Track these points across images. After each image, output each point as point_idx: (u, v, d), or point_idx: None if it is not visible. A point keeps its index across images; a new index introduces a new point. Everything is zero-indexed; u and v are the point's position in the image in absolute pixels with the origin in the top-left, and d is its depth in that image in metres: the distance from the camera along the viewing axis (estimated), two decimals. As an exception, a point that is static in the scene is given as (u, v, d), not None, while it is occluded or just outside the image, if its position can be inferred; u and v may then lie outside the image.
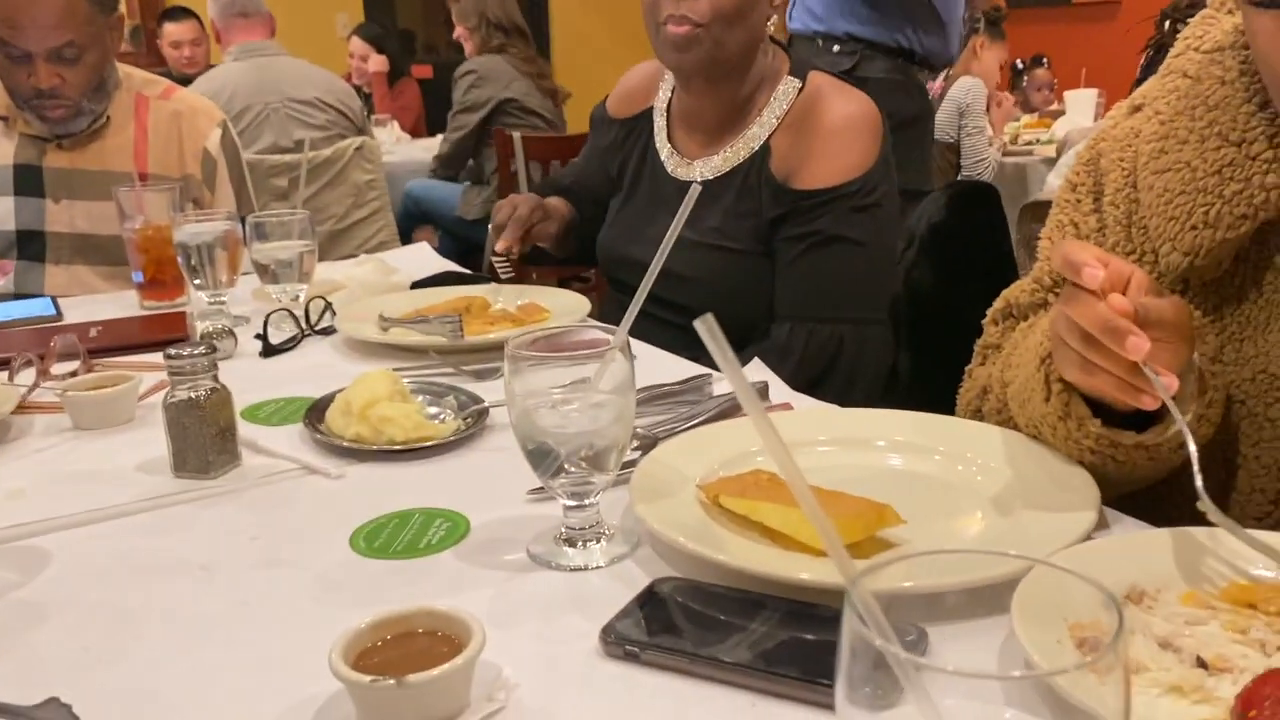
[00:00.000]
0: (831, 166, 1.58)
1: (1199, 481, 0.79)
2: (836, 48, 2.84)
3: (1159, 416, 0.90)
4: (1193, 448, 0.81)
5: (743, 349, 1.52)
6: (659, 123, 1.78)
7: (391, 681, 0.64)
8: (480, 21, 4.52)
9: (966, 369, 1.20)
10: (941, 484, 0.97)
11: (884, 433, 1.06)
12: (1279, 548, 0.76)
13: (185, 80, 3.98)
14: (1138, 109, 1.06)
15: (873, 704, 0.46)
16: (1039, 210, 3.01)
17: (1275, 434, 0.92)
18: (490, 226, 1.76)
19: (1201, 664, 0.68)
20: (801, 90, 1.64)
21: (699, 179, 1.66)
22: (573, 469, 0.86)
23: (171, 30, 5.14)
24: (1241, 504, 0.94)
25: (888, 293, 1.68)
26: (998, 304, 1.19)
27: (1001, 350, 1.13)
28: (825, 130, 1.60)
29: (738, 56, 1.62)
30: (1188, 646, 0.69)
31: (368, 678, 0.65)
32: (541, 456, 0.86)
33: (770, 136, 1.63)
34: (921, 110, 2.97)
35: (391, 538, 0.93)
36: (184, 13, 5.23)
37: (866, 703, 0.45)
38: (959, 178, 4.19)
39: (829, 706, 0.56)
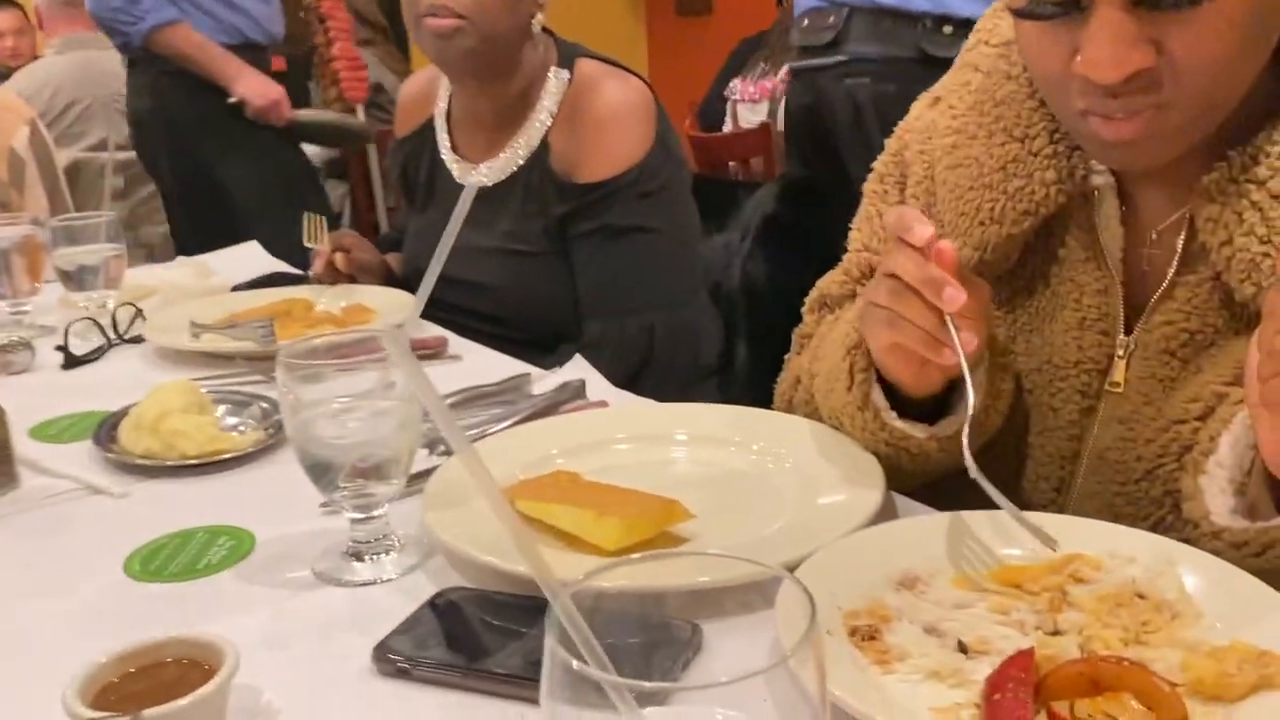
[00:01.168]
0: (609, 156, 1.57)
1: (967, 446, 0.81)
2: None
3: (951, 410, 0.92)
4: (970, 410, 0.83)
5: (556, 350, 1.50)
6: (441, 131, 1.74)
7: (127, 718, 0.60)
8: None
9: (785, 358, 1.21)
10: (738, 476, 0.98)
11: (687, 427, 1.06)
12: (1044, 527, 0.78)
13: (6, 74, 3.78)
14: (937, 101, 1.07)
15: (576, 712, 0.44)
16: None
17: (1058, 423, 0.94)
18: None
19: (962, 648, 0.69)
20: (571, 81, 1.62)
21: (486, 183, 1.63)
22: (352, 481, 0.83)
23: None
24: (1028, 492, 0.96)
25: (695, 274, 1.68)
26: (813, 294, 1.20)
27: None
28: (597, 120, 1.58)
29: (504, 49, 1.58)
30: (951, 631, 0.71)
31: (100, 715, 0.61)
32: (321, 471, 0.83)
33: (547, 133, 1.61)
34: None
35: (170, 558, 0.89)
36: (4, 1, 4.95)
37: (571, 706, 0.44)
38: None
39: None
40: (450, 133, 1.73)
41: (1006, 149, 0.94)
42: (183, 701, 0.62)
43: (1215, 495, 0.79)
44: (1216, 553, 0.77)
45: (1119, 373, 0.91)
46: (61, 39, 3.53)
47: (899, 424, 0.92)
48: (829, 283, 1.18)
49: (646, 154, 1.58)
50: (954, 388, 0.91)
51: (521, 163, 1.62)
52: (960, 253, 0.95)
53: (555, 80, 1.62)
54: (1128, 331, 0.90)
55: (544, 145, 1.61)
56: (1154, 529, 0.85)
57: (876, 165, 1.14)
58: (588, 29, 1.72)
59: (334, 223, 4.22)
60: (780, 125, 3.78)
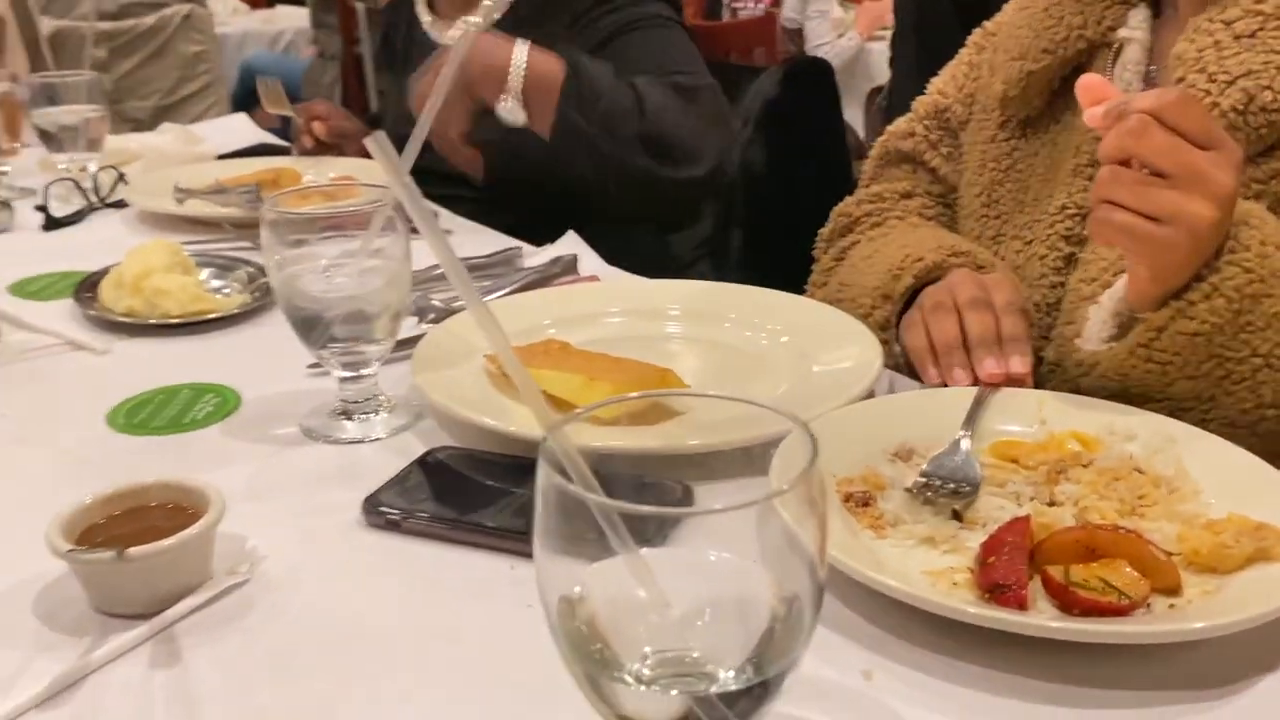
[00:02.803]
0: None
1: None
2: None
3: None
4: None
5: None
6: None
7: (110, 554, 0.59)
8: None
9: (819, 233, 1.18)
10: (733, 350, 0.96)
11: (681, 302, 1.04)
12: (1046, 404, 0.78)
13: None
14: None
15: (572, 560, 0.43)
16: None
17: (1043, 270, 0.94)
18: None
19: (956, 516, 0.68)
20: None
21: (475, 29, 1.52)
22: (342, 339, 0.81)
23: None
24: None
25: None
26: (877, 148, 1.19)
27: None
28: None
29: None
30: (946, 500, 0.70)
31: (84, 551, 0.60)
32: (309, 326, 0.81)
33: None
34: None
35: (154, 413, 0.87)
36: None
37: (566, 558, 0.43)
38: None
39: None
40: None
41: None
42: (166, 542, 0.61)
43: (1095, 324, 0.83)
44: (1072, 378, 0.83)
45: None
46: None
47: None
48: (897, 134, 1.17)
49: None
50: None
51: (494, 12, 1.53)
52: (993, 88, 1.02)
53: None
54: None
55: None
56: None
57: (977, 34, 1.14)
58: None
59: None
60: (786, 14, 3.65)
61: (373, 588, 0.66)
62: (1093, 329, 0.83)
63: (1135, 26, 0.93)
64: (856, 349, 0.90)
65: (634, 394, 0.81)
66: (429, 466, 0.77)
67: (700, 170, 1.38)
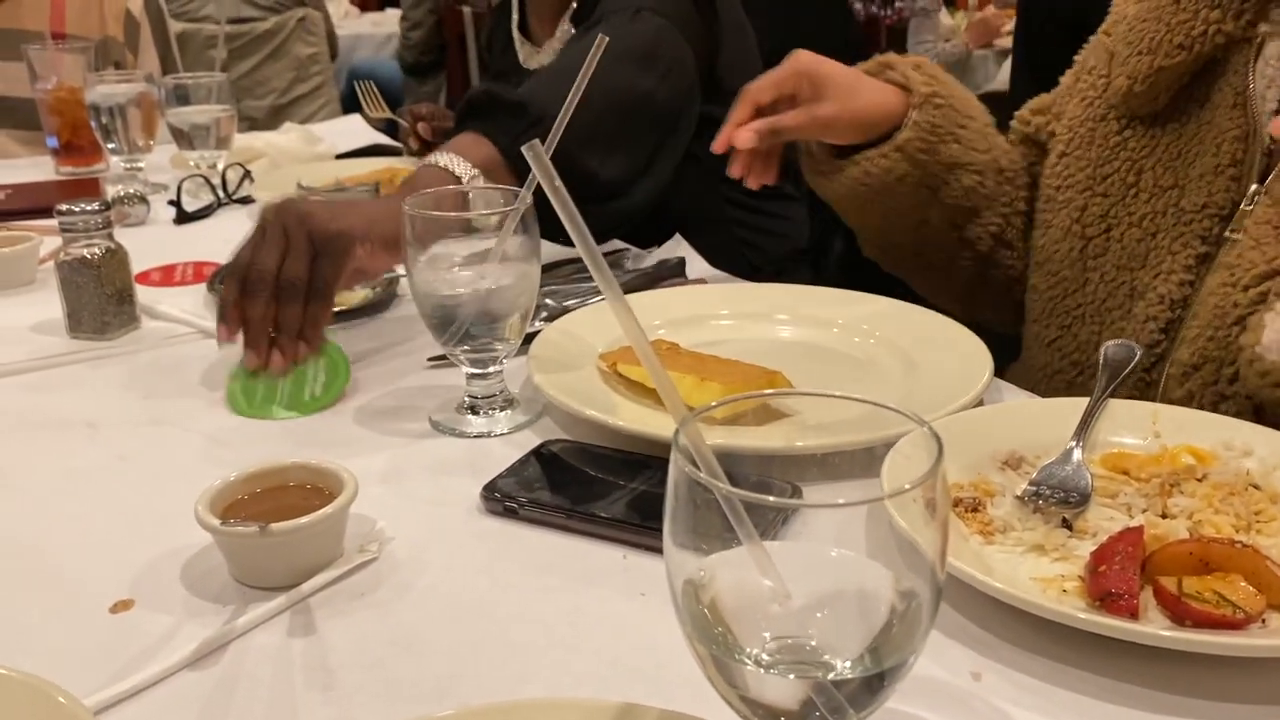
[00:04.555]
0: None
1: None
2: None
3: None
4: None
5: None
6: (514, 9, 1.67)
7: (255, 528, 0.63)
8: None
9: None
10: (842, 355, 0.97)
11: (787, 306, 1.05)
12: (1159, 419, 0.77)
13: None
14: None
15: (702, 550, 0.45)
16: (989, 101, 2.97)
17: (1174, 267, 0.94)
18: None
19: (1066, 525, 0.69)
20: None
21: (549, 59, 1.57)
22: (474, 336, 0.84)
23: None
24: (1135, 332, 0.96)
25: None
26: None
27: None
28: None
29: None
30: (1056, 509, 0.70)
31: (231, 525, 0.64)
32: (443, 323, 0.85)
33: None
34: None
35: (270, 391, 0.90)
36: None
37: (693, 545, 0.45)
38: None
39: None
40: (522, 11, 1.66)
41: None
42: (305, 519, 0.65)
43: (1275, 332, 0.81)
44: (1253, 387, 0.82)
45: (1241, 219, 0.90)
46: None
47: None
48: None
49: None
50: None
51: (568, 39, 1.52)
52: (1115, 82, 1.00)
53: None
54: (1260, 180, 0.89)
55: (581, 13, 1.49)
56: (1236, 377, 0.85)
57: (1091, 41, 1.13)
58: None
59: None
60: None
61: (492, 570, 0.69)
62: (1270, 334, 0.81)
63: (1278, 20, 0.90)
64: (966, 357, 0.90)
65: (768, 391, 0.83)
66: (544, 458, 0.80)
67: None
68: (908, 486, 0.43)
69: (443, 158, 1.10)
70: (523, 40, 1.64)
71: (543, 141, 0.96)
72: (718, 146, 1.03)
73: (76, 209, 1.03)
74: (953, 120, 1.06)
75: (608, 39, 0.85)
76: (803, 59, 1.03)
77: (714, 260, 1.30)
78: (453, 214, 0.85)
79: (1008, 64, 3.92)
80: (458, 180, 1.09)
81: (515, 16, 1.64)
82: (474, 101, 1.18)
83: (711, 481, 0.44)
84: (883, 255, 1.19)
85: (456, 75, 4.24)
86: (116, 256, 1.05)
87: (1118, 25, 1.03)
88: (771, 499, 0.43)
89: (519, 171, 1.13)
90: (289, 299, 0.89)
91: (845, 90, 1.03)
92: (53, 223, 1.40)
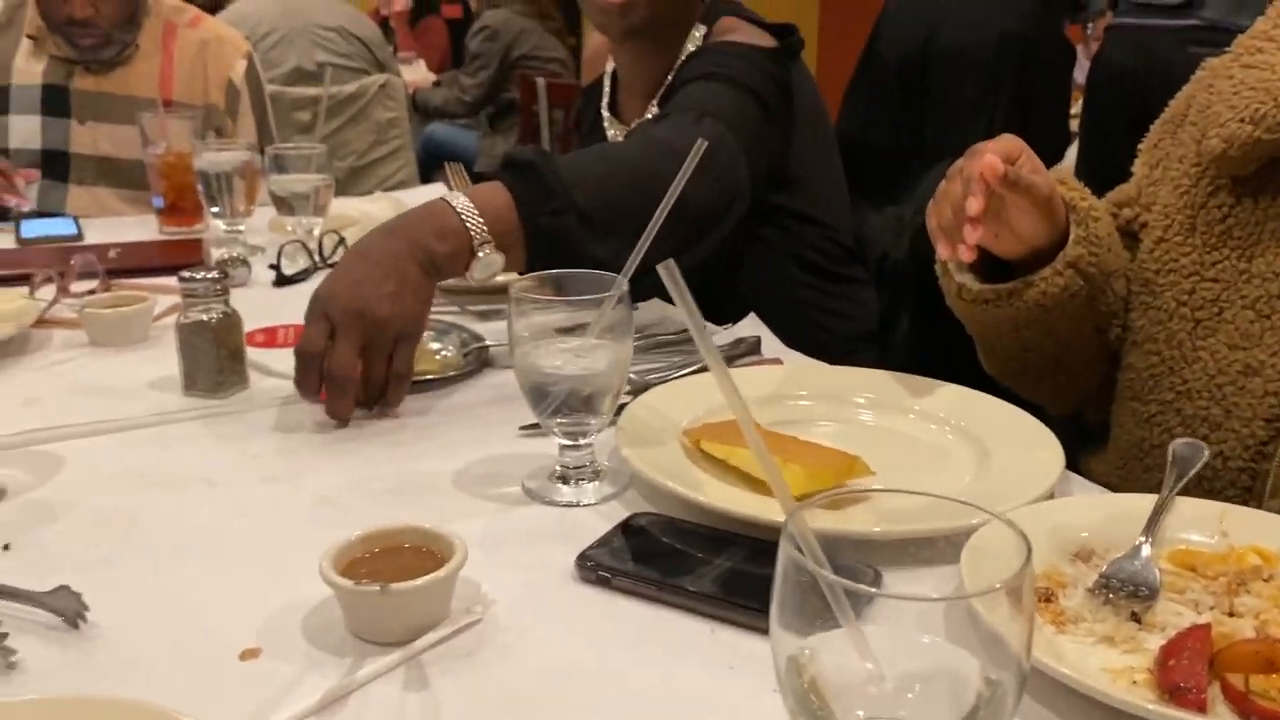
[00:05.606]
0: None
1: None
2: None
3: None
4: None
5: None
6: (606, 88, 1.75)
7: (376, 588, 0.69)
8: None
9: None
10: (917, 441, 1.01)
11: (863, 390, 1.10)
12: (1227, 518, 0.80)
13: (205, 4, 4.02)
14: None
15: (804, 630, 0.50)
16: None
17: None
18: None
19: (1135, 618, 0.72)
20: (707, 35, 1.58)
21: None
22: (569, 410, 0.90)
23: None
24: (1254, 407, 0.98)
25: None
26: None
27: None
28: None
29: (671, 19, 1.55)
30: (1126, 603, 0.73)
31: (354, 583, 0.69)
32: (540, 396, 0.90)
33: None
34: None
35: None
36: None
37: (798, 629, 0.50)
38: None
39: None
40: (614, 89, 1.74)
41: None
42: (422, 580, 0.70)
43: None
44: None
45: None
46: (266, -26, 3.72)
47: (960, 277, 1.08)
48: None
49: None
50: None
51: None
52: (1209, 144, 1.02)
53: (694, 36, 1.60)
54: None
55: (666, 97, 1.55)
56: None
57: (1155, 126, 1.16)
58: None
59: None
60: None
61: (588, 636, 0.73)
62: None
63: None
64: (1038, 449, 0.94)
65: (872, 487, 0.88)
66: (633, 530, 0.85)
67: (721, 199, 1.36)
68: (998, 585, 0.47)
69: (459, 201, 1.11)
70: (611, 119, 1.72)
71: (563, 237, 1.02)
72: (973, 210, 0.97)
73: (198, 276, 1.10)
74: (1106, 226, 1.08)
75: (705, 143, 0.91)
76: (1019, 140, 1.05)
77: (784, 341, 1.35)
78: (556, 299, 0.91)
79: (1072, 150, 3.95)
80: (464, 232, 1.10)
81: (607, 98, 1.73)
82: (519, 161, 1.19)
83: (819, 570, 0.48)
84: (1018, 372, 1.18)
85: (528, 144, 4.37)
86: (231, 320, 1.13)
87: (1220, 85, 1.05)
88: (876, 590, 0.47)
89: (531, 240, 1.15)
90: (372, 388, 1.04)
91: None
92: (160, 281, 1.50)
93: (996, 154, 0.99)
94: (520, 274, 1.17)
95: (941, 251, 1.04)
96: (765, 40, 1.54)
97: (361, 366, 1.04)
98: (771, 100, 1.47)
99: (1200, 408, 1.03)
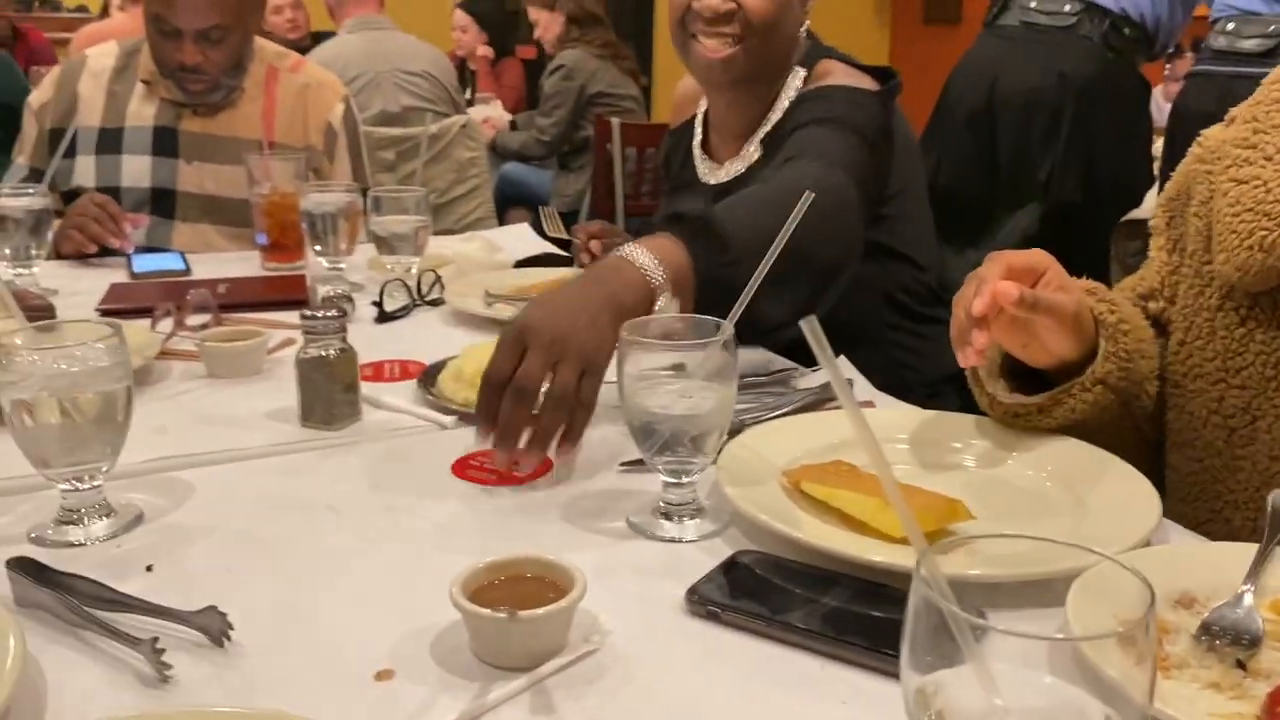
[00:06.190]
0: None
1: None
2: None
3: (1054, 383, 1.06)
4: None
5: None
6: (698, 129, 1.81)
7: (505, 614, 0.73)
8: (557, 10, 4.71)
9: None
10: (1012, 486, 1.03)
11: (959, 435, 1.12)
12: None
13: (292, 45, 4.18)
14: (1232, 121, 1.10)
15: (933, 665, 0.53)
16: (1133, 228, 3.00)
17: None
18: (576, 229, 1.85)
19: (1240, 665, 0.73)
20: (807, 79, 1.64)
21: (725, 179, 1.70)
22: (676, 449, 0.94)
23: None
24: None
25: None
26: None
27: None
28: None
29: (771, 64, 1.62)
30: (1230, 650, 0.75)
31: (485, 609, 0.73)
32: (646, 435, 0.94)
33: (775, 127, 1.62)
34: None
35: None
36: None
37: (926, 664, 0.53)
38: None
39: (892, 674, 0.64)
40: (705, 130, 1.81)
41: None
42: (547, 609, 0.74)
43: None
44: None
45: None
46: (353, 20, 3.87)
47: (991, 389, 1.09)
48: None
49: None
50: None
51: (755, 161, 1.66)
52: (1221, 268, 1.00)
53: (793, 78, 1.65)
54: None
55: (774, 137, 1.63)
56: None
57: (1160, 200, 1.17)
58: (830, 37, 1.74)
59: (572, 216, 4.48)
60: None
61: (702, 670, 0.76)
62: None
63: None
64: (1134, 495, 0.96)
65: (993, 533, 0.90)
66: (739, 567, 0.88)
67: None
68: (1120, 629, 0.50)
69: (640, 255, 1.16)
70: (704, 156, 1.78)
71: (735, 285, 1.08)
72: (977, 309, 0.97)
73: (319, 315, 1.16)
74: (1135, 338, 1.07)
75: (813, 195, 0.95)
76: (1048, 255, 1.05)
77: (871, 380, 1.38)
78: (666, 342, 0.95)
79: (1152, 192, 3.93)
80: (648, 283, 1.15)
81: (699, 137, 1.79)
82: (684, 217, 1.25)
83: (951, 610, 0.51)
84: None
85: (601, 182, 4.45)
86: (347, 356, 1.19)
87: (1214, 202, 1.04)
88: (1013, 630, 0.50)
89: (701, 289, 1.20)
90: (556, 408, 1.00)
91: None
92: (268, 315, 1.57)
93: (1021, 267, 1.00)
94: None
95: (960, 360, 1.02)
96: (866, 82, 1.60)
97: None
98: (878, 142, 1.53)
99: (1246, 519, 1.02)
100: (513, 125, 5.06)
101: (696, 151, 1.80)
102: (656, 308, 1.16)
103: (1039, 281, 1.01)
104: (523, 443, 1.00)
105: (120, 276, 1.88)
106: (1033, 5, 2.62)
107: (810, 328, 0.59)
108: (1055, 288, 1.01)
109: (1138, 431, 1.13)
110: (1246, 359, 1.02)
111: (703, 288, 1.22)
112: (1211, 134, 1.11)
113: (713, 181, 1.74)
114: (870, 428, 0.60)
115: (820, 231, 1.34)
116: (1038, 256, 1.03)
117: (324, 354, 1.17)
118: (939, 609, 0.52)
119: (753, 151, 1.67)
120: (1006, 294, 0.95)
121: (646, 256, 1.17)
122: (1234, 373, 1.03)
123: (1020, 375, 1.10)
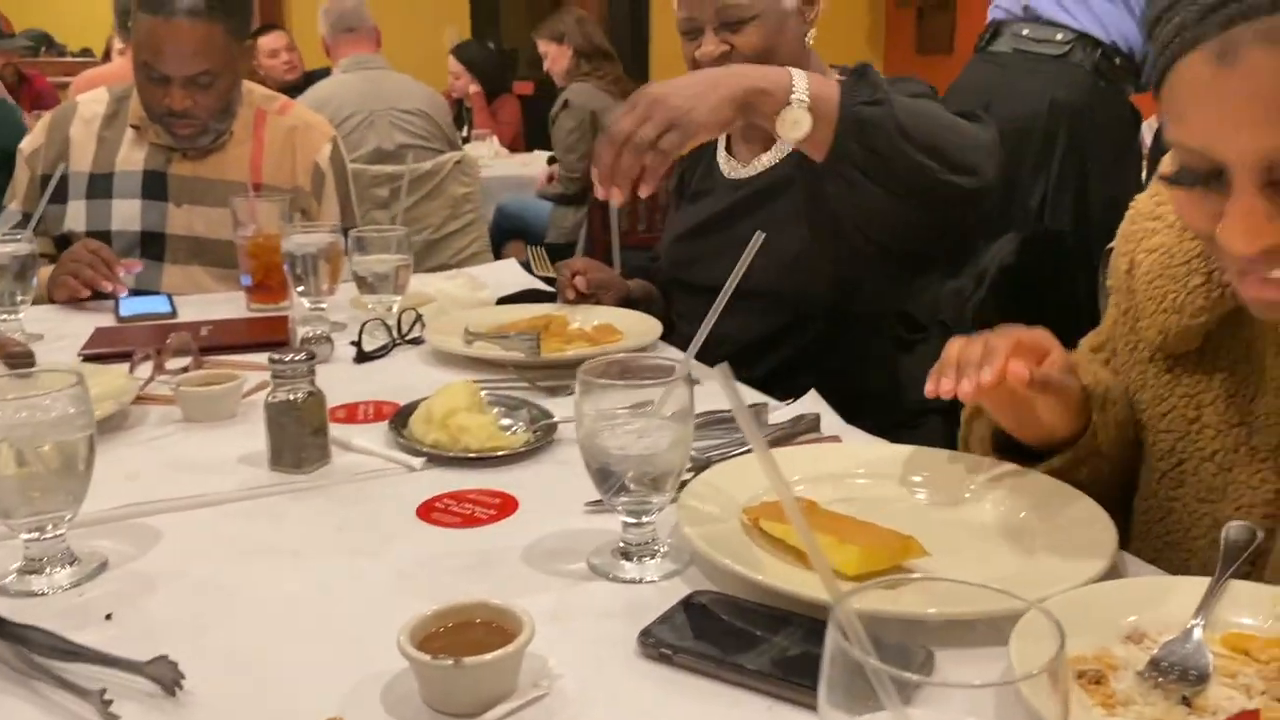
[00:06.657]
0: None
1: None
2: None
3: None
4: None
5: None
6: (722, 139, 1.86)
7: (450, 662, 0.73)
8: (565, 44, 4.73)
9: None
10: (971, 522, 1.04)
11: (921, 468, 1.12)
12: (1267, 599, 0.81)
13: (286, 87, 4.22)
14: (1152, 194, 1.13)
15: (850, 709, 0.53)
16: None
17: (1254, 500, 0.97)
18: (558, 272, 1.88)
19: (1186, 702, 0.73)
20: None
21: (754, 172, 1.75)
22: (633, 489, 0.94)
23: (265, 42, 5.41)
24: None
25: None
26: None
27: None
28: None
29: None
30: (1175, 687, 0.75)
31: (430, 657, 0.74)
32: (605, 475, 0.95)
33: None
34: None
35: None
36: (269, 27, 5.57)
37: (844, 707, 0.53)
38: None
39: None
40: (728, 137, 1.85)
41: (1193, 244, 1.01)
42: (493, 655, 0.74)
43: None
44: None
45: None
46: (348, 59, 3.91)
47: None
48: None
49: None
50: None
51: (788, 152, 1.68)
52: (1146, 334, 1.05)
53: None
54: None
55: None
56: None
57: (1114, 260, 1.18)
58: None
59: (569, 249, 4.48)
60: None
61: (651, 713, 0.77)
62: None
63: None
64: (1091, 529, 0.96)
65: (914, 575, 0.91)
66: (694, 608, 0.88)
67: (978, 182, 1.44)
68: (1034, 671, 0.50)
69: (795, 71, 1.30)
70: (728, 157, 1.83)
71: (876, 126, 1.18)
72: (986, 381, 0.99)
73: (287, 358, 1.17)
74: (1122, 404, 1.09)
75: (765, 236, 0.97)
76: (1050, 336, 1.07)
77: (861, 406, 1.38)
78: (622, 382, 0.95)
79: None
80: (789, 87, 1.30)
81: (723, 141, 1.85)
82: (857, 69, 1.38)
83: (864, 658, 0.51)
84: None
85: (598, 215, 4.46)
86: (316, 398, 1.20)
87: (1136, 270, 1.07)
88: (915, 677, 0.51)
89: (842, 121, 1.32)
90: (631, 153, 1.20)
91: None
92: (248, 358, 1.59)
93: (1029, 344, 1.02)
94: (818, 160, 1.35)
95: (936, 389, 1.03)
96: None
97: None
98: None
99: (1181, 559, 1.04)
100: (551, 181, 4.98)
101: (721, 154, 1.85)
102: (789, 106, 1.27)
103: (1044, 361, 1.03)
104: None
105: (107, 320, 1.90)
106: (1025, 33, 2.64)
107: (723, 375, 0.60)
108: (1060, 368, 1.03)
109: (1113, 476, 1.14)
110: (1171, 402, 1.05)
111: (844, 120, 1.31)
112: (1139, 202, 1.14)
113: (739, 176, 1.79)
114: (778, 468, 0.61)
115: (968, 145, 1.42)
116: (1042, 336, 1.05)
117: (292, 398, 1.18)
118: (854, 658, 0.52)
119: (784, 148, 1.70)
120: (1019, 375, 0.97)
121: (800, 75, 1.29)
122: (1160, 417, 1.06)
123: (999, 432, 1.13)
